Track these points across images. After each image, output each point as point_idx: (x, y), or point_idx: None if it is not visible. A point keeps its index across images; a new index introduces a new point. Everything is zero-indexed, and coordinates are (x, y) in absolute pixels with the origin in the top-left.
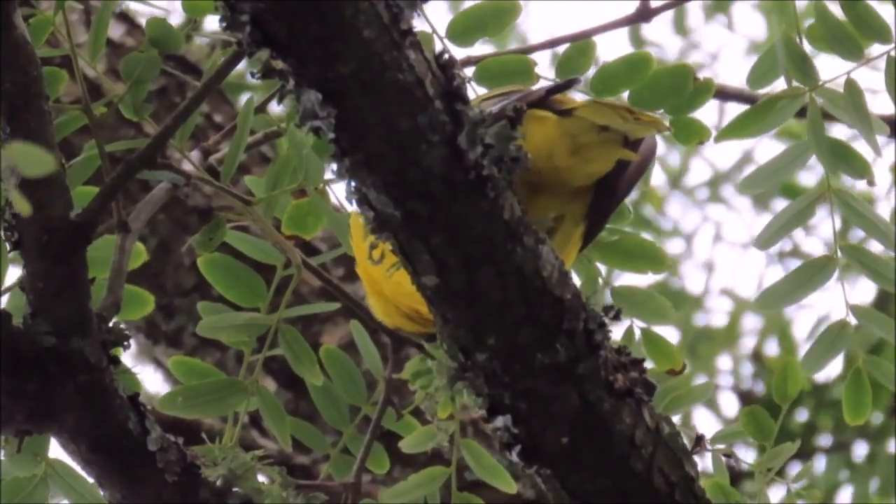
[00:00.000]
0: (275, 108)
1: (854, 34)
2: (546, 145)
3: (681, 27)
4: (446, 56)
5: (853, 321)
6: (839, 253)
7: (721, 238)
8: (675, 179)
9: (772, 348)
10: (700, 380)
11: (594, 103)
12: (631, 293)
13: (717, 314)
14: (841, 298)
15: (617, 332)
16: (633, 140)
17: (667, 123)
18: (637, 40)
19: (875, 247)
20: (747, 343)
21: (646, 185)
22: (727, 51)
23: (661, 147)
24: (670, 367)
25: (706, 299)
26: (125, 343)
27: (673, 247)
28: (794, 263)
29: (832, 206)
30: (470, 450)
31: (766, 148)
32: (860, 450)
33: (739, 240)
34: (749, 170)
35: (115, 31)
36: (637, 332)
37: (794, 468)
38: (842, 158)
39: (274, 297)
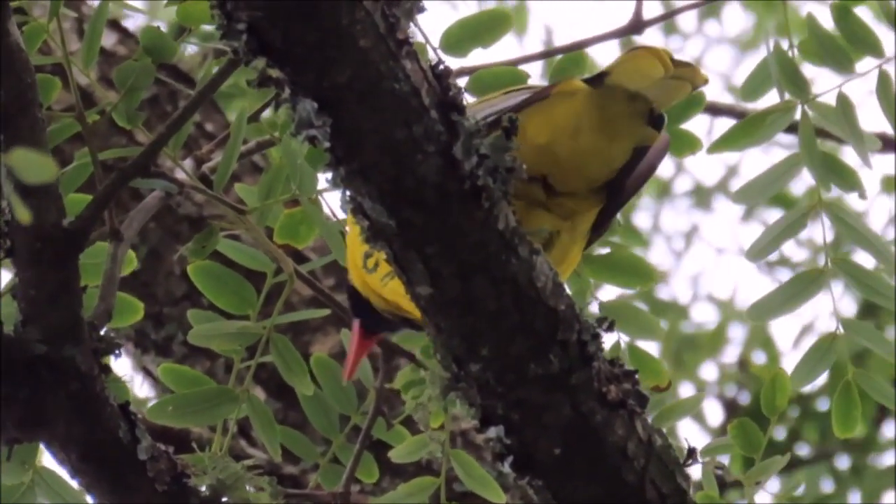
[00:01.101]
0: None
1: (846, 48)
2: (573, 121)
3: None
4: (442, 66)
5: (842, 331)
6: (830, 265)
7: (708, 245)
8: (664, 189)
9: (758, 357)
10: (686, 388)
11: (632, 52)
12: (618, 308)
13: (703, 322)
14: (825, 306)
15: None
16: (655, 116)
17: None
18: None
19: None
20: (733, 351)
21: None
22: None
23: None
24: (656, 383)
25: (692, 307)
26: (116, 351)
27: (659, 253)
28: (782, 273)
29: (823, 218)
30: (460, 460)
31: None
32: (843, 462)
33: (725, 247)
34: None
35: (108, 39)
36: (623, 347)
37: (777, 479)
38: (833, 172)
39: (264, 306)
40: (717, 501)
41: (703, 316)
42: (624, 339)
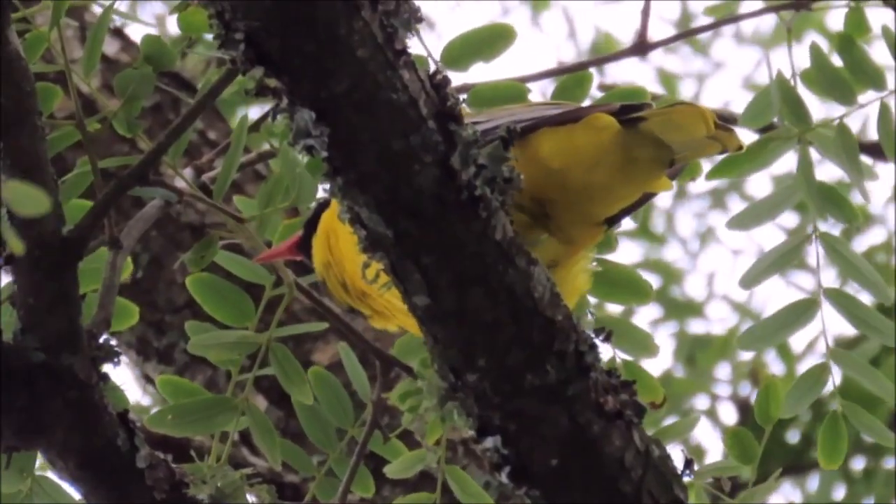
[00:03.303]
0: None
1: (849, 80)
2: (593, 155)
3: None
4: (440, 76)
5: (832, 363)
6: (822, 296)
7: (722, 245)
8: (679, 189)
9: (771, 359)
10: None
11: (678, 107)
12: (614, 324)
13: (716, 322)
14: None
15: None
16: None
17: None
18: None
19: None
20: (746, 352)
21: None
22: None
23: None
24: (651, 399)
25: (707, 307)
26: (115, 359)
27: (674, 253)
28: (797, 276)
29: (818, 248)
30: (454, 476)
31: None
32: (858, 464)
33: (739, 246)
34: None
35: (111, 47)
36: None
37: (788, 483)
38: (831, 202)
39: (265, 314)
40: None
41: (718, 316)
42: (620, 355)
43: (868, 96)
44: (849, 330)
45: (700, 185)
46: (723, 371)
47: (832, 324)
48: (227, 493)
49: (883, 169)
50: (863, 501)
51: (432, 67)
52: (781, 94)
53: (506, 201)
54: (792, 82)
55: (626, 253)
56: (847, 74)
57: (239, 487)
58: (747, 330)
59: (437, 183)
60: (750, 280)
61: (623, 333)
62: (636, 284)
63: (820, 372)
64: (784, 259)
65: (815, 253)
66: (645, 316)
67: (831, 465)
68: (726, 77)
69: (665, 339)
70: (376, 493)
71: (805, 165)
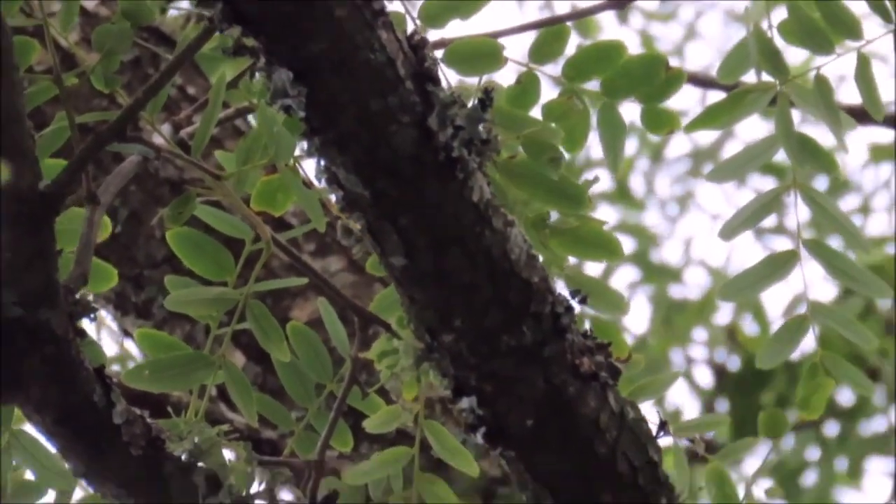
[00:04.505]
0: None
1: (825, 29)
2: None
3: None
4: (418, 37)
5: (811, 314)
6: (802, 248)
7: (700, 210)
8: (656, 153)
9: (747, 324)
10: (673, 354)
11: None
12: (583, 281)
13: (694, 287)
14: (817, 274)
15: None
16: None
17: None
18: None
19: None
20: (724, 316)
21: (615, 166)
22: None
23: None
24: (616, 355)
25: (684, 271)
26: (91, 315)
27: (652, 218)
28: (776, 240)
29: (797, 200)
30: (433, 431)
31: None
32: (832, 428)
33: (718, 212)
34: (730, 147)
35: (90, 1)
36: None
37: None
38: (809, 153)
39: (244, 271)
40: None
41: (696, 280)
42: (587, 310)
43: (846, 48)
44: (826, 296)
45: (678, 149)
46: (699, 335)
47: (813, 287)
48: (203, 450)
49: (884, 170)
50: (836, 464)
51: (410, 27)
52: (759, 45)
53: (483, 163)
54: (769, 34)
55: (604, 216)
56: (823, 24)
57: (216, 444)
58: (727, 281)
59: (414, 143)
60: (729, 231)
61: (591, 290)
62: (607, 242)
63: (799, 323)
64: (763, 210)
65: (793, 204)
66: (622, 278)
67: (812, 414)
68: (707, 46)
69: (642, 301)
70: (354, 450)
71: (783, 116)
